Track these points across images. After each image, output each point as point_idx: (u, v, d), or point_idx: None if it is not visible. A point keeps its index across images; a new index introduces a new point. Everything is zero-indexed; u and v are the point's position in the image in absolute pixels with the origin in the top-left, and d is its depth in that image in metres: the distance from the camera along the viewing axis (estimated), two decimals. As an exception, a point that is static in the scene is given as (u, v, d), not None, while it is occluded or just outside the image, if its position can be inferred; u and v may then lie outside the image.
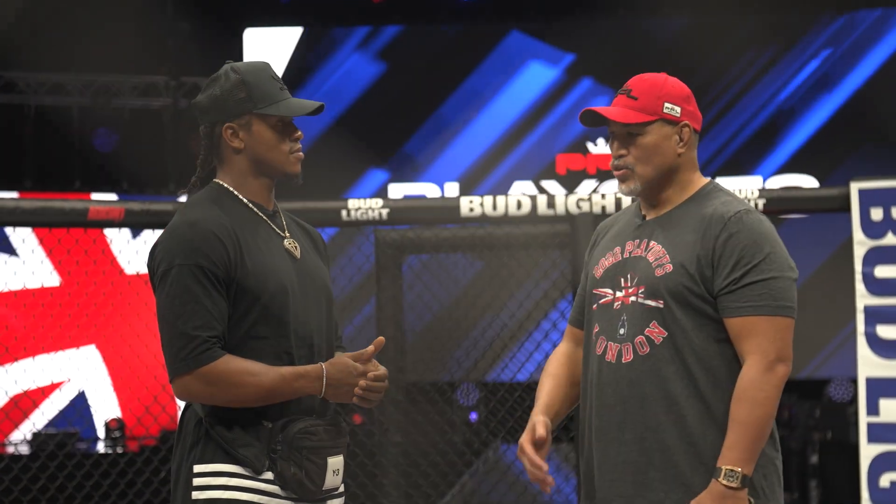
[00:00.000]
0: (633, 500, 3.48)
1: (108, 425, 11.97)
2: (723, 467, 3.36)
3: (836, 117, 13.28)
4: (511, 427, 6.94)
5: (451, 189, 13.57)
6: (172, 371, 3.37)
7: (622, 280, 3.54)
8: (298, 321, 3.47)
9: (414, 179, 13.65)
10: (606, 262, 3.61)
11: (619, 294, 3.54)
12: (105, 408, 12.30)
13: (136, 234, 11.08)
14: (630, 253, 3.56)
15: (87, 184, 12.90)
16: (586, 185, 13.30)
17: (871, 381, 5.87)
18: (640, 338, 3.48)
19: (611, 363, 3.52)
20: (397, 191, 13.52)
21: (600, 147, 13.48)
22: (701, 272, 3.44)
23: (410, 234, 6.43)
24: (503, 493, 7.07)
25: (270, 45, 13.78)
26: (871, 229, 5.89)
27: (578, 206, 6.07)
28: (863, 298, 5.89)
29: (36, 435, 11.07)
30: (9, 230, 11.29)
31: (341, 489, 3.55)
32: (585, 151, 13.54)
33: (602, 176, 13.37)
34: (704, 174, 3.67)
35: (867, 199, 5.90)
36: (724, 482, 3.35)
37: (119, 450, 11.49)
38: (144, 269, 3.57)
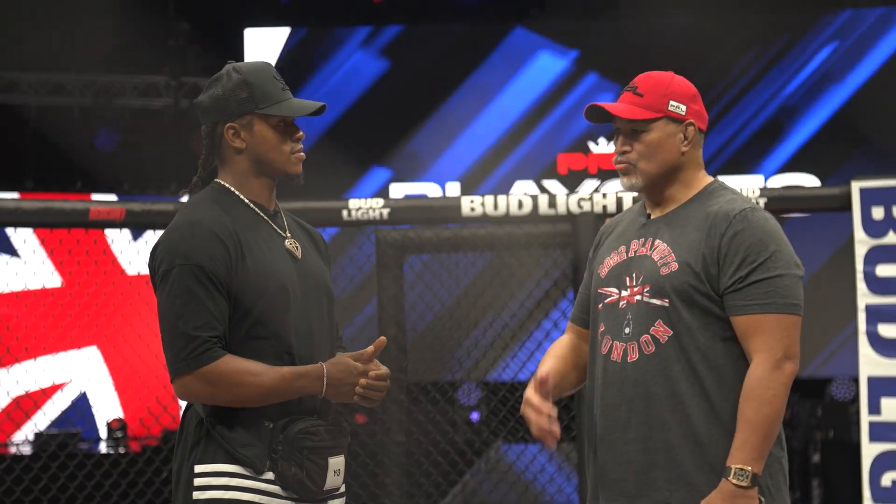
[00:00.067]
0: (637, 500, 3.48)
1: (110, 425, 11.98)
2: (732, 466, 3.36)
3: (838, 116, 13.27)
4: (512, 427, 6.94)
5: (453, 189, 13.57)
6: (173, 371, 3.37)
7: (627, 279, 3.54)
8: (299, 321, 3.47)
9: (417, 177, 13.65)
10: (611, 261, 3.61)
11: (624, 293, 3.53)
12: (107, 409, 12.30)
13: (137, 235, 11.09)
14: (635, 252, 3.56)
15: (89, 184, 12.90)
16: (588, 185, 13.30)
17: (872, 380, 5.86)
18: (645, 337, 3.48)
19: (616, 362, 3.52)
20: (399, 190, 13.52)
21: (602, 146, 13.48)
22: (706, 270, 3.44)
23: (411, 233, 6.42)
24: (505, 492, 7.07)
25: (271, 45, 13.79)
26: (873, 228, 5.89)
27: (580, 206, 6.07)
28: (864, 297, 5.89)
29: (38, 435, 11.07)
30: (10, 231, 11.30)
31: (342, 489, 3.55)
32: (587, 151, 13.53)
33: (603, 175, 13.36)
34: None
35: (868, 198, 5.90)
36: (735, 481, 3.35)
37: (121, 450, 11.49)
38: (146, 270, 3.57)
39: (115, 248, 9.91)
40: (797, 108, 13.37)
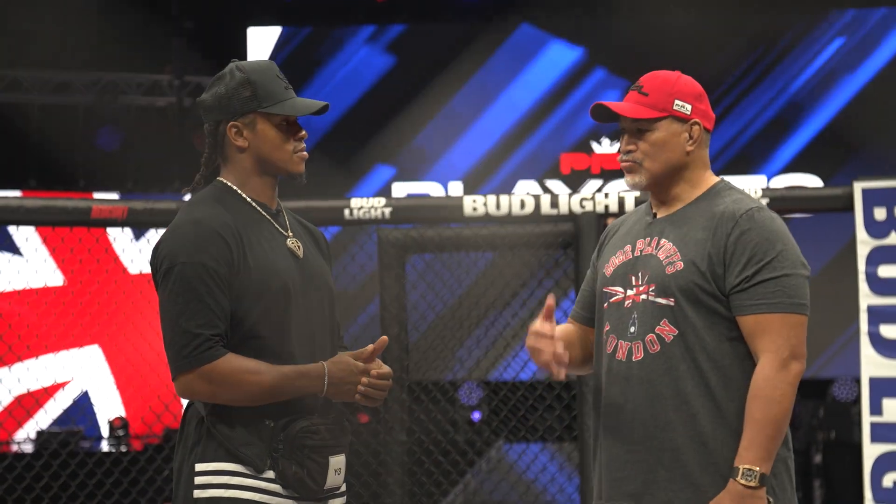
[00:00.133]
0: (641, 499, 3.47)
1: (112, 424, 11.98)
2: (740, 467, 3.35)
3: (841, 117, 13.27)
4: (514, 426, 6.94)
5: (456, 188, 13.57)
6: (175, 369, 3.37)
7: (633, 278, 3.53)
8: (300, 320, 3.47)
9: (421, 174, 13.65)
10: (617, 260, 3.61)
11: (629, 292, 3.53)
12: (108, 407, 12.31)
13: (139, 234, 11.09)
14: (641, 251, 3.56)
15: (92, 182, 12.91)
16: (591, 185, 13.30)
17: (874, 381, 5.86)
18: (650, 336, 3.48)
19: (621, 361, 3.51)
20: (401, 189, 13.52)
21: (605, 147, 13.48)
22: (712, 270, 3.44)
23: (414, 233, 6.42)
24: (506, 492, 7.07)
25: (274, 44, 13.79)
26: (875, 229, 5.89)
27: (582, 206, 6.07)
28: (866, 298, 5.89)
29: (40, 433, 11.08)
30: (12, 229, 11.32)
31: (343, 488, 3.55)
32: (590, 151, 13.53)
33: (606, 175, 13.36)
34: (707, 173, 3.66)
35: (870, 198, 5.90)
36: (743, 482, 3.34)
37: (123, 448, 11.49)
38: (148, 269, 3.57)
39: (117, 247, 9.91)
40: (800, 108, 13.37)
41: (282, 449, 3.38)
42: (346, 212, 6.11)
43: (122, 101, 13.30)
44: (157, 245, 3.48)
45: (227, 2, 13.85)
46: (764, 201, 5.94)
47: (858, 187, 5.93)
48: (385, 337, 3.55)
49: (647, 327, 3.48)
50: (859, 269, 5.89)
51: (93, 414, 12.23)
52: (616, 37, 13.31)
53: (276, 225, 3.56)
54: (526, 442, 7.32)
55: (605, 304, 3.60)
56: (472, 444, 7.72)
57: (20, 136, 13.01)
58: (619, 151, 3.62)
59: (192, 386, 3.37)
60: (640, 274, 3.52)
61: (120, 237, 10.03)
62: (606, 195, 6.07)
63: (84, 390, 12.29)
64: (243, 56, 13.17)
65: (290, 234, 3.58)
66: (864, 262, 5.89)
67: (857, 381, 6.07)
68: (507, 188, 13.31)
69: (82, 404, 12.18)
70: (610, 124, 3.67)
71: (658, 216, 3.60)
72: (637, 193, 6.00)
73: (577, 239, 6.06)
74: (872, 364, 5.86)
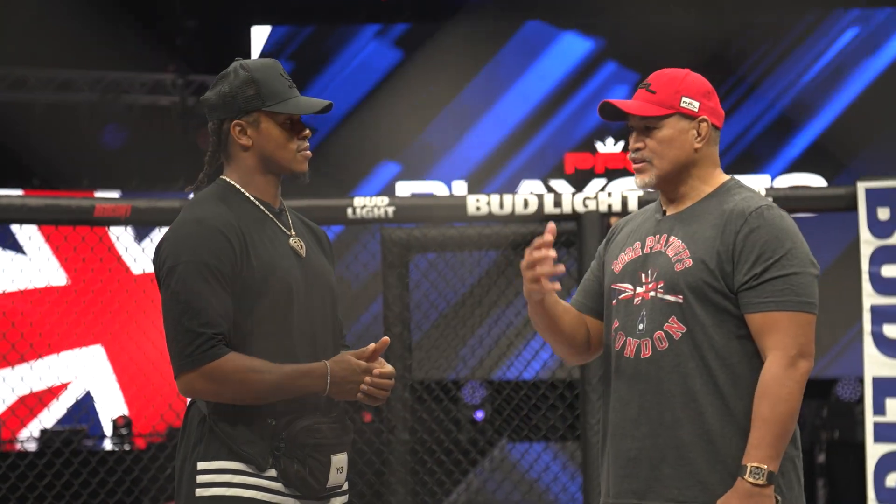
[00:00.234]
0: (646, 496, 3.47)
1: (115, 423, 11.99)
2: (748, 465, 3.35)
3: (844, 117, 13.26)
4: (517, 425, 6.94)
5: (459, 188, 13.58)
6: (177, 368, 3.37)
7: (643, 276, 3.53)
8: (303, 319, 3.47)
9: (426, 172, 13.65)
10: (626, 256, 3.60)
11: (639, 289, 3.53)
12: (112, 406, 12.31)
13: (142, 234, 11.09)
14: (651, 248, 3.55)
15: (95, 181, 12.91)
16: (595, 184, 13.30)
17: (877, 381, 5.86)
18: (658, 333, 3.47)
19: (629, 358, 3.51)
20: (405, 188, 13.53)
21: (609, 146, 13.48)
22: (721, 267, 3.43)
23: (417, 232, 6.42)
24: (509, 491, 7.07)
25: (274, 43, 13.81)
26: (878, 229, 5.89)
27: (585, 205, 6.06)
28: (869, 298, 5.88)
29: (43, 432, 11.08)
30: (15, 227, 11.32)
31: (345, 487, 3.55)
32: (594, 150, 13.53)
33: (610, 175, 13.37)
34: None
35: (874, 198, 5.89)
36: (751, 480, 3.34)
37: (126, 447, 11.50)
38: (150, 268, 3.57)
39: (120, 246, 9.92)
40: (804, 108, 13.36)
41: (284, 447, 3.38)
42: (350, 211, 6.11)
43: (126, 99, 13.30)
44: (160, 243, 3.48)
45: (230, 0, 13.86)
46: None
47: (862, 187, 5.92)
48: (386, 338, 3.54)
49: (656, 324, 3.48)
50: (862, 268, 5.89)
51: (96, 413, 12.23)
52: (627, 30, 13.30)
53: (279, 224, 3.56)
54: (529, 441, 7.33)
55: (614, 301, 3.60)
56: (475, 444, 7.72)
57: (23, 134, 13.02)
58: (628, 150, 3.62)
59: (195, 385, 3.36)
60: (649, 271, 3.52)
61: (122, 236, 10.04)
62: (610, 194, 6.07)
63: (87, 391, 12.29)
64: (247, 55, 13.17)
65: (293, 233, 3.58)
66: (867, 262, 5.89)
67: (861, 380, 6.06)
68: (512, 187, 13.31)
69: (85, 403, 12.19)
70: (616, 123, 3.67)
71: (667, 213, 3.60)
72: (640, 193, 6.00)
73: (580, 238, 6.06)
74: (876, 364, 5.86)
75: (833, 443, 11.63)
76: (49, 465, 6.96)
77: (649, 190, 3.65)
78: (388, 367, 3.51)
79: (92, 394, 12.36)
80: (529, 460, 7.22)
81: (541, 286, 3.51)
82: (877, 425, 5.84)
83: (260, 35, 13.80)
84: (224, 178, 3.57)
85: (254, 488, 3.38)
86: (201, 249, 3.38)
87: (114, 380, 12.37)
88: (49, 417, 11.72)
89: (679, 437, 3.44)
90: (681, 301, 3.45)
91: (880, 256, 5.87)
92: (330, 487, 3.45)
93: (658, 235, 3.56)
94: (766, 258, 3.41)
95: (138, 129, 13.38)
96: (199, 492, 3.39)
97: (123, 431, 11.80)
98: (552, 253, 3.47)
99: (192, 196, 3.63)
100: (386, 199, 6.11)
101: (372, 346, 3.49)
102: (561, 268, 3.49)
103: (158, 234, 6.27)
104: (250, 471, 3.38)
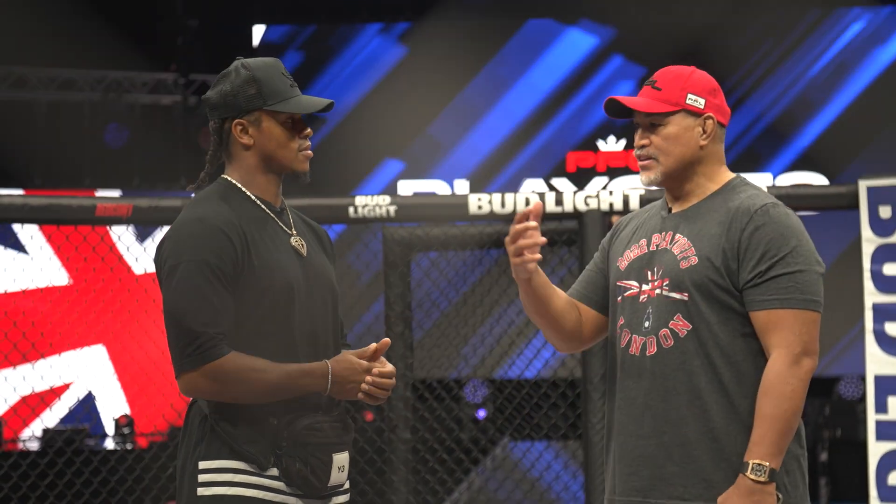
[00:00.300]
0: (650, 494, 3.46)
1: (117, 422, 12.00)
2: (750, 462, 3.34)
3: (846, 116, 13.26)
4: (519, 424, 6.94)
5: (462, 186, 13.58)
6: (178, 367, 3.37)
7: (649, 273, 3.52)
8: (304, 319, 3.47)
9: (429, 170, 13.65)
10: (631, 254, 3.60)
11: (645, 287, 3.52)
12: (113, 406, 12.32)
13: (144, 236, 11.09)
14: (657, 246, 3.54)
15: (97, 180, 12.92)
16: (596, 183, 13.30)
17: (879, 379, 5.85)
18: (664, 330, 3.47)
19: (634, 356, 3.51)
20: (407, 187, 13.53)
21: (610, 144, 13.48)
22: (726, 265, 3.43)
23: (419, 231, 6.42)
24: (510, 490, 7.07)
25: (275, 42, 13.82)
26: (880, 227, 5.88)
27: (586, 203, 6.06)
28: (871, 296, 5.88)
29: (45, 431, 11.09)
30: (17, 227, 11.32)
31: (346, 486, 3.55)
32: (596, 149, 13.53)
33: (612, 173, 13.37)
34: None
35: (875, 196, 5.89)
36: (752, 477, 3.33)
37: (128, 446, 11.51)
38: (152, 268, 3.57)
39: (122, 246, 9.93)
40: (806, 106, 13.36)
41: (285, 446, 3.38)
42: (351, 210, 6.11)
43: (127, 99, 13.31)
44: (162, 243, 3.48)
45: (232, 0, 13.87)
46: (769, 199, 5.94)
47: (863, 185, 5.92)
48: (387, 339, 3.54)
49: (661, 322, 3.47)
50: (864, 267, 5.88)
51: (98, 412, 12.24)
52: (634, 23, 13.29)
53: (280, 223, 3.56)
54: (531, 440, 7.33)
55: (620, 298, 3.59)
56: (477, 442, 7.72)
57: (25, 134, 13.02)
58: (632, 147, 3.61)
59: (196, 384, 3.36)
60: (655, 268, 3.51)
61: (124, 235, 10.05)
62: (611, 193, 6.06)
63: (89, 391, 12.30)
64: (249, 54, 13.17)
65: (294, 232, 3.58)
66: (868, 260, 5.88)
67: (863, 378, 6.06)
68: (514, 186, 13.31)
69: (87, 403, 12.20)
70: (619, 121, 3.67)
71: (673, 211, 3.59)
72: (642, 192, 6.00)
73: (581, 237, 6.06)
74: (877, 362, 5.85)
75: (835, 441, 11.65)
76: (51, 464, 6.96)
77: (653, 188, 3.64)
78: (389, 367, 3.51)
79: (94, 393, 12.37)
80: (531, 459, 7.22)
81: (524, 260, 3.47)
82: (879, 423, 5.83)
83: (263, 33, 13.80)
84: (225, 177, 3.56)
85: (255, 487, 3.38)
86: (203, 249, 3.38)
87: (115, 379, 12.38)
88: (51, 417, 11.73)
89: (684, 435, 3.43)
90: (686, 299, 3.45)
91: (882, 255, 5.87)
92: (331, 486, 3.45)
93: (664, 233, 3.55)
94: (771, 256, 3.40)
95: (140, 129, 13.39)
96: (201, 491, 3.39)
97: (125, 431, 11.82)
98: (533, 223, 3.43)
99: (193, 195, 3.62)
100: (388, 199, 6.11)
101: (373, 345, 3.50)
102: (543, 239, 3.46)
103: (160, 233, 6.27)
104: (252, 470, 3.38)
